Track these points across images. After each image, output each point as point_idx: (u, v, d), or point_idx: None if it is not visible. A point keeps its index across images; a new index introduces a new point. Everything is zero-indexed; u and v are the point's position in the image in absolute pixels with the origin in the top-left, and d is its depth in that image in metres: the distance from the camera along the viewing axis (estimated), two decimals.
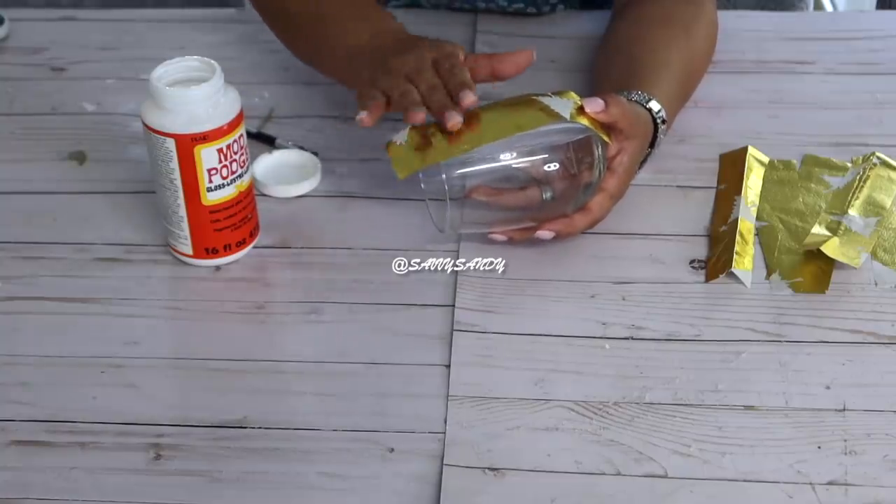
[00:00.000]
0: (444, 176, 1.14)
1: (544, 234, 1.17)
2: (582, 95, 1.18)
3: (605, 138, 1.16)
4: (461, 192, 1.17)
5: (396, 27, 1.28)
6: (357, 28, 1.27)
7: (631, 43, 1.33)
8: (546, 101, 1.15)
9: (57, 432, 1.06)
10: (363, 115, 1.17)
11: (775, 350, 1.11)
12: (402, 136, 1.15)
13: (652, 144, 1.24)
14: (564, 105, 1.15)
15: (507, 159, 1.16)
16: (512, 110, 1.15)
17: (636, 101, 1.22)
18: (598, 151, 1.15)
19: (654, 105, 1.22)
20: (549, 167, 1.16)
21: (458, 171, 1.16)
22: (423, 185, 1.17)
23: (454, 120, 1.13)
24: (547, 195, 1.17)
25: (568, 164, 1.16)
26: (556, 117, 1.14)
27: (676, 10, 1.35)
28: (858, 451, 1.02)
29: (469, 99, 1.15)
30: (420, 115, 1.15)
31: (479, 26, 1.48)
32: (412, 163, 1.14)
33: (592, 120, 1.15)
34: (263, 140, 1.33)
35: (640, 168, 1.25)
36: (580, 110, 1.15)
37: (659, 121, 1.23)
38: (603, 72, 1.33)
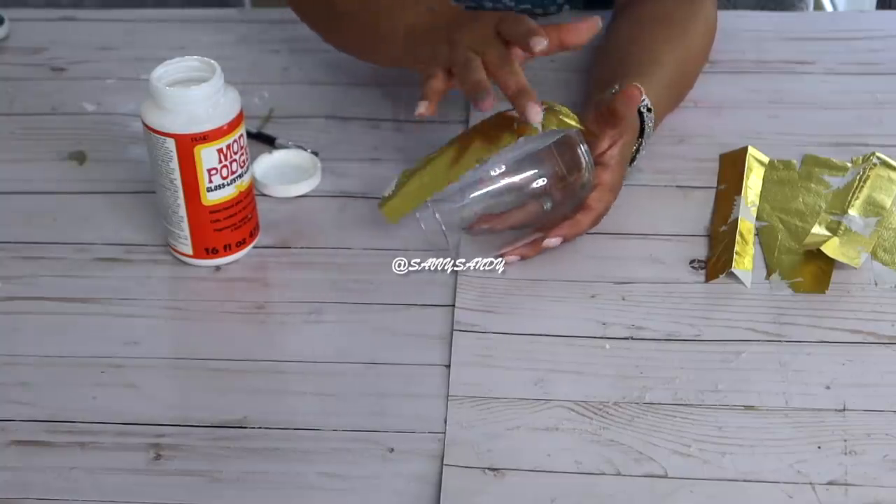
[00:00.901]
0: (437, 215, 1.16)
1: (552, 241, 1.17)
2: (581, 97, 1.18)
3: (578, 126, 1.16)
4: (463, 223, 1.17)
5: (453, 5, 1.26)
6: (413, 9, 1.26)
7: (629, 41, 1.33)
8: (515, 113, 1.16)
9: (57, 432, 1.07)
10: (422, 108, 1.16)
11: (775, 350, 1.11)
12: (390, 187, 1.18)
13: (641, 134, 1.24)
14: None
15: (497, 180, 1.16)
16: (487, 132, 1.16)
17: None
18: (581, 148, 1.15)
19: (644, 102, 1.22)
20: (540, 181, 1.16)
21: (449, 206, 1.16)
22: (422, 226, 1.17)
23: (535, 113, 1.12)
24: (547, 205, 1.17)
25: (557, 170, 1.16)
26: (530, 130, 1.14)
27: (675, 9, 1.35)
28: (858, 451, 1.02)
29: (540, 45, 1.14)
30: (488, 103, 1.13)
31: None
32: (401, 207, 1.16)
33: (561, 118, 1.15)
34: (263, 140, 1.33)
35: (633, 161, 1.24)
36: (549, 112, 1.15)
37: (644, 109, 1.22)
38: (597, 70, 1.33)
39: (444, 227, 1.16)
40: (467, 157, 1.14)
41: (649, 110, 1.23)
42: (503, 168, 1.16)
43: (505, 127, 1.15)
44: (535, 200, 1.17)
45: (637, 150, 1.24)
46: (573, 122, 1.15)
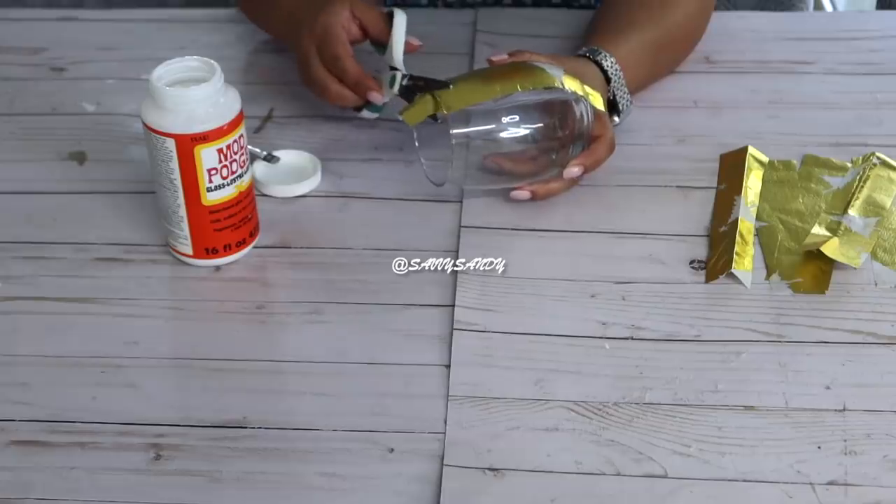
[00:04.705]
0: (451, 130, 1.18)
1: (574, 171, 1.21)
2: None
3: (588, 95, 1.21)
4: (465, 150, 1.20)
5: None
6: None
7: (605, 9, 1.37)
8: (543, 65, 1.21)
9: (57, 432, 1.07)
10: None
11: (775, 350, 1.11)
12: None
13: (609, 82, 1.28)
14: (557, 71, 1.21)
15: (506, 119, 1.20)
16: (515, 72, 1.20)
17: (586, 55, 1.28)
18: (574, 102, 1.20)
19: (601, 53, 1.28)
20: (547, 128, 1.21)
21: (463, 129, 1.20)
22: (416, 143, 1.20)
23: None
24: (553, 156, 1.20)
25: (558, 124, 1.20)
26: (555, 82, 1.19)
27: None
28: (858, 451, 1.03)
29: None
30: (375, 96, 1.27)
31: (479, 26, 1.48)
32: (421, 111, 1.20)
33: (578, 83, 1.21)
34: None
35: (620, 114, 1.30)
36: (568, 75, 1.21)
37: (607, 65, 1.27)
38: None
39: (453, 142, 1.18)
40: (493, 88, 1.19)
41: (613, 64, 1.27)
42: (513, 108, 1.20)
43: (532, 72, 1.20)
44: (543, 154, 1.21)
45: (614, 98, 1.28)
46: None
